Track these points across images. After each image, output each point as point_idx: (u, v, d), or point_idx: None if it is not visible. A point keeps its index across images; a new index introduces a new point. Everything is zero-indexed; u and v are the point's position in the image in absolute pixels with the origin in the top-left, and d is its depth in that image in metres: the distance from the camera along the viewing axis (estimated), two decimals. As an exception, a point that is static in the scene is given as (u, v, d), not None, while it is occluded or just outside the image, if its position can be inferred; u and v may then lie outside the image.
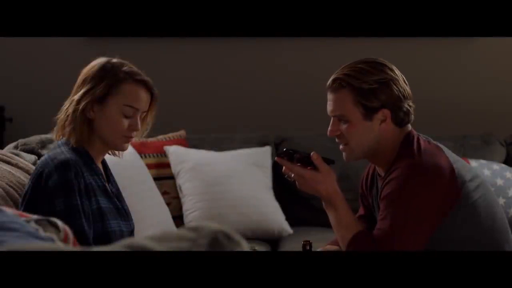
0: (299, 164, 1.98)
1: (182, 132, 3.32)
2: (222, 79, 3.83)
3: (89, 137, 2.01)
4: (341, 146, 2.03)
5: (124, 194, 2.16)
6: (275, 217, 3.06)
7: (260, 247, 2.85)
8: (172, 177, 3.08)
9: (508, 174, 3.06)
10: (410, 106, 2.00)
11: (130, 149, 2.14)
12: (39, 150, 2.51)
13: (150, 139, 3.11)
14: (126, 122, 2.00)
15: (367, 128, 1.97)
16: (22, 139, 2.56)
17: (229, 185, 3.05)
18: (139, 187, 2.75)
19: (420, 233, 1.90)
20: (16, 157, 2.31)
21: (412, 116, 2.02)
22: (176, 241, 0.90)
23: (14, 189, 2.10)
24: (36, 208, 1.84)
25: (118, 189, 2.13)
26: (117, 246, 0.89)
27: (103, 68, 2.01)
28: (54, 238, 1.17)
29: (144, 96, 2.03)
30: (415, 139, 1.99)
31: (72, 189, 1.90)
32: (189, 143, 3.27)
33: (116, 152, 2.12)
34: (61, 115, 2.02)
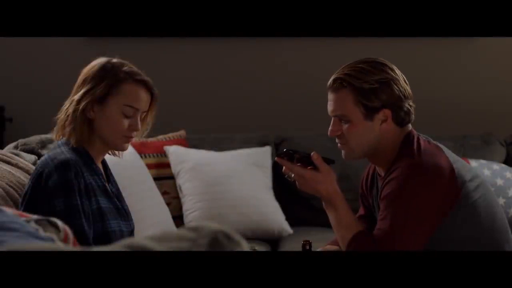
0: (299, 164, 1.98)
1: (182, 132, 3.32)
2: (222, 79, 3.83)
3: (89, 137, 2.01)
4: (339, 145, 2.03)
5: (124, 194, 2.16)
6: (275, 217, 3.06)
7: (260, 247, 2.85)
8: (172, 177, 3.08)
9: (508, 174, 3.06)
10: (410, 106, 2.00)
11: (130, 149, 2.14)
12: (39, 150, 2.51)
13: (150, 139, 3.11)
14: (126, 122, 2.01)
15: (368, 128, 1.97)
16: (22, 139, 2.56)
17: (229, 185, 3.05)
18: (139, 187, 2.75)
19: (420, 233, 1.90)
20: (16, 157, 2.31)
21: (413, 116, 2.02)
22: (176, 241, 0.90)
23: (14, 189, 2.10)
24: (36, 208, 1.84)
25: (118, 189, 2.13)
26: (117, 246, 0.89)
27: (103, 68, 2.01)
28: (54, 238, 1.17)
29: (144, 96, 2.03)
30: (415, 139, 1.99)
31: (72, 189, 1.90)
32: (189, 143, 3.27)
33: (116, 152, 2.12)
34: (61, 115, 2.02)
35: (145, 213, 2.68)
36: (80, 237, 1.81)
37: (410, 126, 2.03)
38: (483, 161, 3.13)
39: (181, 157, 3.11)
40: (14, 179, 2.14)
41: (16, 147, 2.49)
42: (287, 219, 3.09)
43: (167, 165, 3.10)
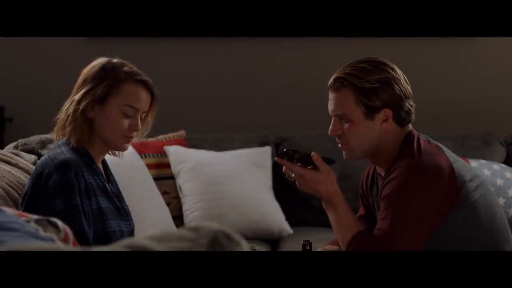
0: (299, 164, 1.98)
1: (182, 132, 3.32)
2: (222, 79, 3.83)
3: (90, 137, 2.01)
4: (340, 145, 2.03)
5: (124, 194, 2.16)
6: (275, 217, 3.06)
7: (260, 247, 2.85)
8: (172, 177, 3.08)
9: (508, 174, 3.06)
10: (411, 105, 2.00)
11: (130, 149, 2.14)
12: (39, 150, 2.51)
13: (150, 139, 3.11)
14: (126, 122, 2.01)
15: (369, 127, 1.97)
16: (22, 139, 2.56)
17: (229, 185, 3.05)
18: (139, 187, 2.75)
19: (420, 233, 1.90)
20: (16, 157, 2.31)
21: (413, 115, 2.02)
22: (176, 241, 0.90)
23: (14, 189, 2.10)
24: (36, 208, 1.84)
25: (118, 189, 2.14)
26: (117, 246, 0.89)
27: (103, 68, 2.01)
28: (54, 238, 1.17)
29: (144, 96, 2.03)
30: (415, 139, 1.99)
31: (72, 189, 1.90)
32: (189, 143, 3.27)
33: (116, 152, 2.12)
34: (62, 115, 2.02)
35: (145, 213, 2.68)
36: (80, 237, 1.81)
37: (410, 126, 2.03)
38: (483, 161, 3.13)
39: (181, 157, 3.11)
40: (14, 179, 2.14)
41: (16, 147, 2.49)
42: (287, 219, 3.09)
43: (167, 165, 3.09)
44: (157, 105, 2.10)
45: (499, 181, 3.02)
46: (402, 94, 1.97)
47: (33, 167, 2.22)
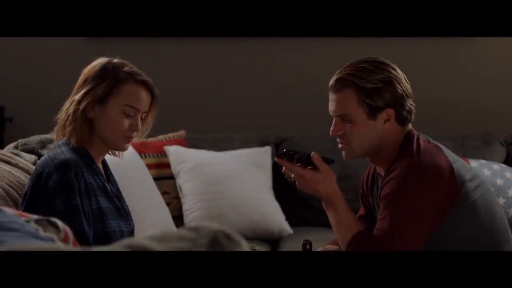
0: (299, 164, 1.98)
1: (182, 132, 3.32)
2: (222, 79, 3.83)
3: (90, 137, 2.01)
4: (340, 145, 2.03)
5: (124, 194, 2.16)
6: (275, 217, 3.06)
7: (260, 247, 2.85)
8: (172, 177, 3.08)
9: (508, 174, 3.06)
10: (411, 105, 2.00)
11: (130, 149, 2.14)
12: (39, 150, 2.51)
13: (150, 139, 3.11)
14: (126, 122, 2.01)
15: (371, 127, 1.97)
16: (22, 139, 2.56)
17: (229, 185, 3.05)
18: (139, 187, 2.75)
19: (419, 233, 1.90)
20: (16, 157, 2.31)
21: (413, 115, 2.02)
22: (176, 241, 0.90)
23: (14, 189, 2.10)
24: (36, 208, 1.84)
25: (118, 189, 2.14)
26: (117, 246, 0.89)
27: (104, 68, 2.01)
28: (54, 238, 1.17)
29: (145, 96, 2.03)
30: (415, 139, 1.99)
31: (72, 189, 1.90)
32: (189, 143, 3.27)
33: (116, 152, 2.12)
34: (62, 115, 2.03)
35: (145, 213, 2.68)
36: (80, 237, 1.81)
37: (410, 126, 2.03)
38: (483, 161, 3.13)
39: (181, 157, 3.11)
40: (14, 179, 2.14)
41: (16, 147, 2.49)
42: (287, 219, 3.09)
43: (167, 165, 3.10)
44: (157, 105, 2.10)
45: (499, 181, 3.02)
46: (403, 93, 1.97)
47: (33, 167, 2.22)
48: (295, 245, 2.62)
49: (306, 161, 1.98)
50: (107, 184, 2.05)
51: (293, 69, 3.81)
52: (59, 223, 1.21)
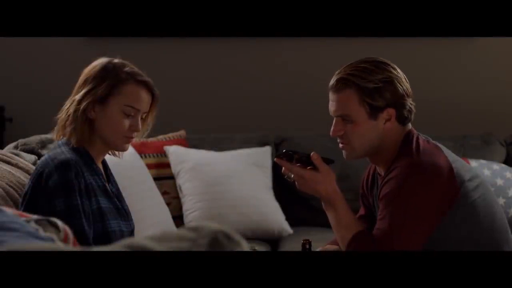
0: (298, 164, 1.98)
1: (182, 132, 3.32)
2: (222, 79, 3.83)
3: (90, 137, 2.01)
4: (341, 145, 2.03)
5: (124, 194, 2.16)
6: (275, 217, 3.06)
7: (260, 247, 2.85)
8: (172, 177, 3.08)
9: (508, 174, 3.06)
10: (411, 104, 2.01)
11: (130, 149, 2.14)
12: (39, 150, 2.51)
13: (150, 139, 3.11)
14: (127, 123, 2.01)
15: (372, 127, 1.97)
16: (22, 139, 2.56)
17: (229, 185, 3.05)
18: (139, 187, 2.75)
19: (419, 233, 1.90)
20: (16, 157, 2.31)
21: (413, 114, 2.03)
22: (176, 241, 0.90)
23: (14, 189, 2.10)
24: (36, 208, 1.84)
25: (118, 189, 2.14)
26: (117, 246, 0.89)
27: (104, 68, 2.01)
28: (54, 238, 1.17)
29: (145, 97, 2.03)
30: (415, 138, 1.99)
31: (73, 189, 1.90)
32: (189, 143, 3.27)
33: (116, 152, 2.12)
34: (62, 115, 2.03)
35: (145, 213, 2.68)
36: (80, 237, 1.81)
37: (410, 125, 2.04)
38: (483, 161, 3.13)
39: (181, 157, 3.11)
40: (14, 179, 2.14)
41: (16, 147, 2.49)
42: (287, 219, 3.09)
43: (167, 165, 3.10)
44: (157, 106, 2.10)
45: (499, 181, 3.02)
46: (404, 93, 1.98)
47: (33, 167, 2.22)
48: (295, 245, 2.62)
49: (306, 161, 1.98)
50: (107, 184, 2.05)
51: (293, 69, 3.81)
52: (59, 223, 1.21)
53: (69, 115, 2.00)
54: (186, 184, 3.04)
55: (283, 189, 3.18)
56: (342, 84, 1.97)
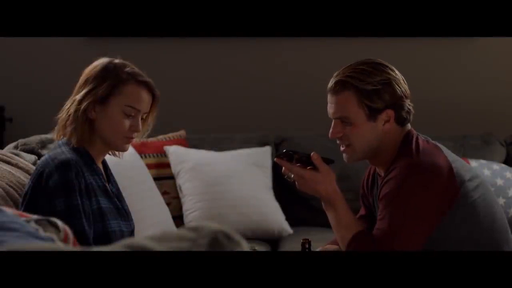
0: (298, 164, 1.98)
1: (182, 132, 3.33)
2: (222, 79, 3.83)
3: (90, 137, 2.01)
4: (342, 148, 2.03)
5: (124, 194, 2.16)
6: (275, 217, 3.06)
7: (260, 247, 2.85)
8: (172, 177, 3.08)
9: (508, 174, 3.06)
10: (410, 105, 2.01)
11: (130, 149, 2.14)
12: (39, 150, 2.51)
13: (150, 139, 3.11)
14: (127, 123, 2.01)
15: (371, 129, 1.97)
16: (22, 139, 2.56)
17: (229, 185, 3.05)
18: (139, 187, 2.75)
19: (419, 233, 1.90)
20: (16, 157, 2.31)
21: (412, 115, 2.03)
22: (176, 241, 0.90)
23: (14, 189, 2.10)
24: (36, 208, 1.84)
25: (118, 189, 2.14)
26: (117, 246, 0.89)
27: (105, 68, 2.01)
28: (54, 238, 1.17)
29: (146, 97, 2.03)
30: (414, 139, 1.99)
31: (73, 189, 1.90)
32: (189, 143, 3.27)
33: (117, 152, 2.12)
34: (63, 115, 2.03)
35: (145, 213, 2.68)
36: (81, 237, 1.81)
37: (409, 126, 2.04)
38: (483, 161, 3.13)
39: (181, 157, 3.11)
40: (14, 179, 2.14)
41: (16, 147, 2.49)
42: (287, 219, 3.09)
43: (167, 165, 3.10)
44: (158, 106, 2.10)
45: (499, 181, 3.02)
46: (402, 94, 1.98)
47: (33, 167, 2.22)
48: (295, 245, 2.62)
49: (306, 161, 1.98)
50: (107, 184, 2.05)
51: (293, 69, 3.81)
52: (59, 223, 1.21)
53: (69, 115, 2.00)
54: (186, 184, 3.04)
55: (283, 189, 3.18)
56: (340, 86, 1.97)
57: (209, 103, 3.83)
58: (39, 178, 1.93)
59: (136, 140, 2.09)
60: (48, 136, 2.57)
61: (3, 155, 2.27)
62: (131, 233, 2.09)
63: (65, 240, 1.20)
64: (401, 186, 1.91)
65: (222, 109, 3.82)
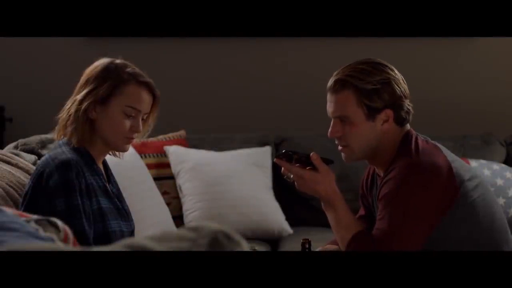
0: (298, 164, 1.98)
1: (182, 132, 3.33)
2: (222, 79, 3.83)
3: (91, 138, 2.01)
4: (340, 147, 2.03)
5: (124, 194, 2.16)
6: (275, 217, 3.06)
7: (260, 247, 2.85)
8: (172, 177, 3.08)
9: (508, 174, 3.06)
10: (409, 105, 2.01)
11: (130, 149, 2.14)
12: (39, 150, 2.51)
13: (150, 139, 3.11)
14: (127, 123, 2.01)
15: (370, 128, 1.97)
16: (22, 139, 2.56)
17: (229, 185, 3.05)
18: (139, 187, 2.75)
19: (418, 232, 1.90)
20: (16, 157, 2.31)
21: (411, 115, 2.03)
22: (176, 241, 0.90)
23: (14, 189, 2.10)
24: (36, 208, 1.84)
25: (118, 189, 2.14)
26: (117, 246, 0.89)
27: (106, 68, 2.01)
28: (54, 238, 1.17)
29: (146, 97, 2.03)
30: (413, 139, 1.99)
31: (73, 189, 1.90)
32: (189, 143, 3.27)
33: (117, 152, 2.12)
34: (63, 115, 2.03)
35: (145, 213, 2.68)
36: (81, 237, 1.81)
37: (408, 126, 2.04)
38: (483, 161, 3.13)
39: (181, 157, 3.11)
40: (14, 179, 2.14)
41: (16, 147, 2.49)
42: (287, 219, 3.09)
43: (167, 165, 3.10)
44: (158, 107, 2.10)
45: (499, 181, 3.02)
46: (402, 94, 1.98)
47: (33, 167, 2.22)
48: (295, 245, 2.62)
49: (305, 162, 1.98)
50: (107, 184, 2.05)
51: (293, 69, 3.81)
52: (59, 223, 1.21)
53: (70, 115, 2.00)
54: (186, 184, 3.04)
55: (283, 189, 3.18)
56: (340, 85, 1.97)
57: (209, 103, 3.83)
58: (40, 178, 1.93)
59: (136, 140, 2.09)
60: (48, 136, 2.57)
61: (3, 155, 2.27)
62: (131, 233, 2.09)
63: (65, 240, 1.20)
64: (400, 186, 1.91)
65: (222, 109, 3.82)
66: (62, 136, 2.04)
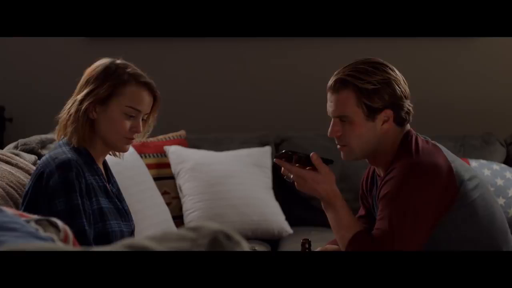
0: (297, 164, 1.98)
1: (182, 132, 3.33)
2: (222, 79, 3.83)
3: (91, 138, 2.01)
4: (339, 146, 2.03)
5: (124, 194, 2.16)
6: (275, 217, 3.06)
7: (260, 247, 2.85)
8: (172, 177, 3.08)
9: (508, 174, 3.06)
10: (409, 105, 2.01)
11: (130, 149, 2.15)
12: (39, 150, 2.51)
13: (150, 139, 3.11)
14: (128, 124, 2.01)
15: (370, 128, 1.97)
16: (22, 139, 2.56)
17: (229, 185, 3.05)
18: (139, 187, 2.75)
19: (418, 233, 1.90)
20: (16, 157, 2.31)
21: (411, 115, 2.03)
22: (176, 241, 0.90)
23: (14, 189, 2.10)
24: (36, 208, 1.84)
25: (118, 189, 2.14)
26: (117, 246, 0.89)
27: (107, 69, 2.01)
28: (54, 238, 1.17)
29: (147, 98, 2.03)
30: (413, 139, 1.99)
31: (73, 189, 1.90)
32: (189, 143, 3.27)
33: (117, 152, 2.12)
34: (63, 115, 2.03)
35: (145, 213, 2.68)
36: (81, 237, 1.81)
37: (408, 126, 2.03)
38: (483, 161, 3.13)
39: (181, 157, 3.11)
40: (14, 179, 2.14)
41: (16, 147, 2.49)
42: (287, 219, 3.09)
43: (167, 165, 3.10)
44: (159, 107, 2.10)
45: (499, 181, 3.02)
46: (402, 94, 1.98)
47: (33, 167, 2.22)
48: (295, 245, 2.61)
49: (305, 162, 1.97)
50: (107, 185, 2.05)
51: (293, 69, 3.81)
52: (59, 223, 1.21)
53: (70, 115, 2.00)
54: (186, 184, 3.04)
55: (283, 189, 3.18)
56: (340, 85, 1.97)
57: (209, 103, 3.83)
58: (40, 178, 1.93)
59: (136, 140, 2.09)
60: (48, 136, 2.57)
61: (3, 155, 2.27)
62: (131, 233, 2.09)
63: (65, 240, 1.20)
64: (400, 186, 1.91)
65: (222, 109, 3.82)
66: (62, 136, 2.04)
